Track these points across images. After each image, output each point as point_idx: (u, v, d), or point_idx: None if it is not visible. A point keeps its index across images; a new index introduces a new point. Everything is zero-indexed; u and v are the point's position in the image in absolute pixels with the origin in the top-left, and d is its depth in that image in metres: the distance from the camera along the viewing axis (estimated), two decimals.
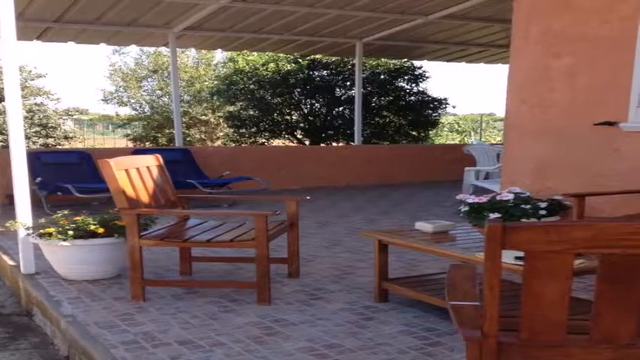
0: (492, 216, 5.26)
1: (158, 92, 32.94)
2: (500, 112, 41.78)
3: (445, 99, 26.26)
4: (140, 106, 33.58)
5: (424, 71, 25.65)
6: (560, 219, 5.47)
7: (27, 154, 7.44)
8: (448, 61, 21.11)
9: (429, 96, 25.99)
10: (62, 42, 16.69)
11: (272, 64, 25.11)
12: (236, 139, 27.30)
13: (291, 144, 26.39)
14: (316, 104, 25.49)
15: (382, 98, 25.27)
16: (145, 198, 6.73)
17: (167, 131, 30.79)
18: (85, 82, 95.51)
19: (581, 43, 8.50)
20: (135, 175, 6.72)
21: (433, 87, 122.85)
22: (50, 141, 32.69)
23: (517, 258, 4.20)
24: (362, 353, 4.99)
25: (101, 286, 6.99)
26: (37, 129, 32.44)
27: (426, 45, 18.89)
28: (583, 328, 2.95)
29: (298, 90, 24.85)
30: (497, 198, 5.49)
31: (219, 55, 32.23)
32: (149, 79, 33.47)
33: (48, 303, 6.44)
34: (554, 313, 2.83)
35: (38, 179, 12.46)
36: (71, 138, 34.92)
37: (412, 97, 25.73)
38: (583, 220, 6.87)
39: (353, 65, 21.67)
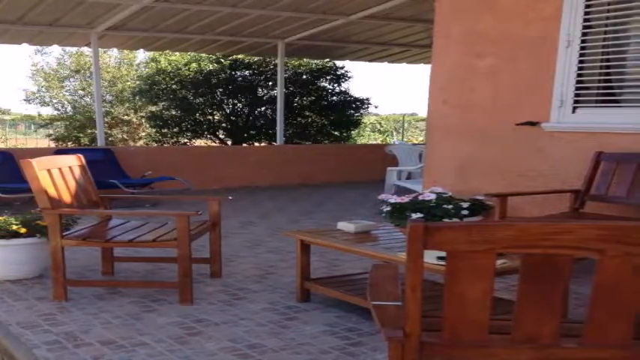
0: (414, 216, 5.30)
1: (80, 92, 32.40)
2: (423, 112, 41.96)
3: (367, 99, 26.26)
4: (62, 106, 33.01)
5: (346, 71, 25.64)
6: (483, 219, 5.54)
7: None
8: (370, 61, 21.20)
9: (351, 96, 25.97)
10: None
11: (194, 64, 24.94)
12: (158, 139, 27.04)
13: (213, 144, 26.22)
14: (238, 104, 25.34)
15: (304, 98, 25.20)
16: (67, 198, 6.69)
17: (89, 131, 30.36)
18: (7, 82, 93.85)
19: (503, 43, 8.58)
20: (57, 175, 6.68)
21: (355, 87, 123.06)
22: None
23: (439, 258, 4.24)
24: (284, 353, 5.01)
25: (23, 286, 6.92)
26: None
27: (348, 45, 18.92)
28: (505, 328, 2.98)
29: (220, 90, 24.67)
30: (420, 198, 5.54)
31: (142, 55, 31.88)
32: (71, 79, 32.94)
33: None
34: (476, 313, 2.86)
35: None
36: None
37: (334, 97, 25.70)
38: (505, 220, 6.95)
39: (275, 65, 21.59)
